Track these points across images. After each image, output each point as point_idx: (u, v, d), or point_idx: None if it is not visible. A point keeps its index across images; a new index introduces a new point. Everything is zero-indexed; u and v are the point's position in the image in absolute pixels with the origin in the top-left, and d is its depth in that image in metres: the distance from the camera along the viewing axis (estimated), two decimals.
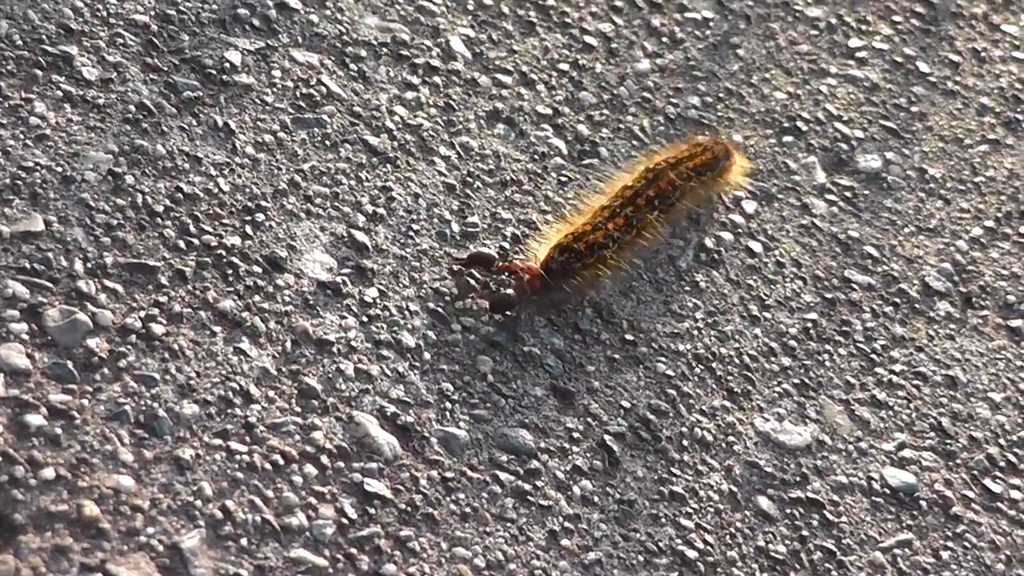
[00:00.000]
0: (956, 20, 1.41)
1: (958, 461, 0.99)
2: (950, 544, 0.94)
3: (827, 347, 1.03)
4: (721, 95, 1.22)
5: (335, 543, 0.78)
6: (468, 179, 1.03)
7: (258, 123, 0.99)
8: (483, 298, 0.94)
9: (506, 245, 0.99)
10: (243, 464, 0.79)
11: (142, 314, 0.84)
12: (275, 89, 1.02)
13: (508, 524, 0.84)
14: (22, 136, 0.90)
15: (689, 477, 0.91)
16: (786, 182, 1.16)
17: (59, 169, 0.89)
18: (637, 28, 1.24)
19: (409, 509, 0.82)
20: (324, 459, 0.81)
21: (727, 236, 1.09)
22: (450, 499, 0.83)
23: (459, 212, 1.00)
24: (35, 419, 0.76)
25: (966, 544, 0.94)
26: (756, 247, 1.09)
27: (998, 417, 1.03)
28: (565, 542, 0.84)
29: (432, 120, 1.06)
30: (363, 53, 1.09)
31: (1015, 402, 1.05)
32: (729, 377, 0.98)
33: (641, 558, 0.85)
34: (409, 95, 1.07)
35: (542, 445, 0.88)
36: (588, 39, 1.20)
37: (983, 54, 1.38)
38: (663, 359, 0.97)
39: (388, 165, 1.01)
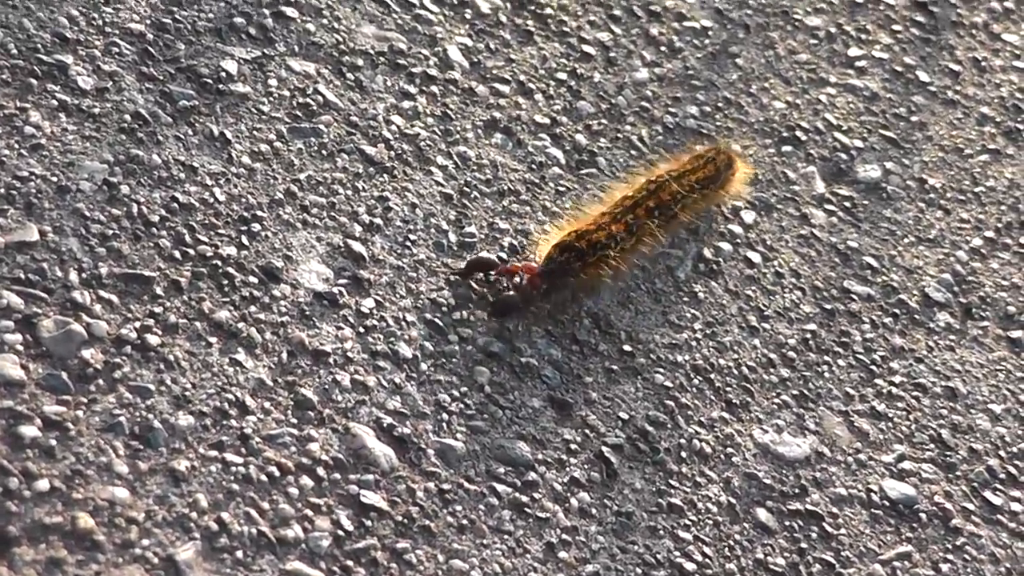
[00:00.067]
0: (956, 29, 1.41)
1: (958, 473, 0.99)
2: (950, 557, 0.94)
3: (826, 358, 1.03)
4: (720, 104, 1.21)
5: (331, 555, 0.78)
6: (465, 189, 1.03)
7: (254, 133, 0.99)
8: (486, 301, 0.94)
9: (504, 255, 0.99)
10: (239, 476, 0.79)
11: (137, 325, 0.83)
12: (271, 98, 1.02)
13: (505, 536, 0.83)
14: (17, 146, 0.90)
15: (687, 489, 0.90)
16: (785, 192, 1.16)
17: (54, 179, 0.89)
18: (635, 37, 1.24)
19: (406, 521, 0.81)
20: (320, 471, 0.81)
21: (726, 246, 1.08)
22: (447, 511, 0.83)
23: (456, 222, 1.00)
24: (29, 430, 0.76)
25: (966, 557, 0.94)
26: (755, 257, 1.09)
27: (998, 429, 1.03)
28: (563, 554, 0.84)
29: (429, 130, 1.06)
30: (360, 62, 1.08)
31: (1015, 414, 1.04)
32: (728, 388, 0.98)
33: (639, 571, 0.85)
34: (406, 104, 1.07)
35: (539, 457, 0.88)
36: (586, 48, 1.20)
37: (983, 63, 1.38)
38: (661, 370, 0.97)
39: (385, 175, 1.01)
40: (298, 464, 0.81)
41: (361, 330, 0.90)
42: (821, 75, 1.29)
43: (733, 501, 0.91)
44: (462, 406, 0.88)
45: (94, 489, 0.75)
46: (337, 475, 0.81)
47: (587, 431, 0.91)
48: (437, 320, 0.92)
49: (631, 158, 1.12)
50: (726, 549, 0.88)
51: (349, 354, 0.88)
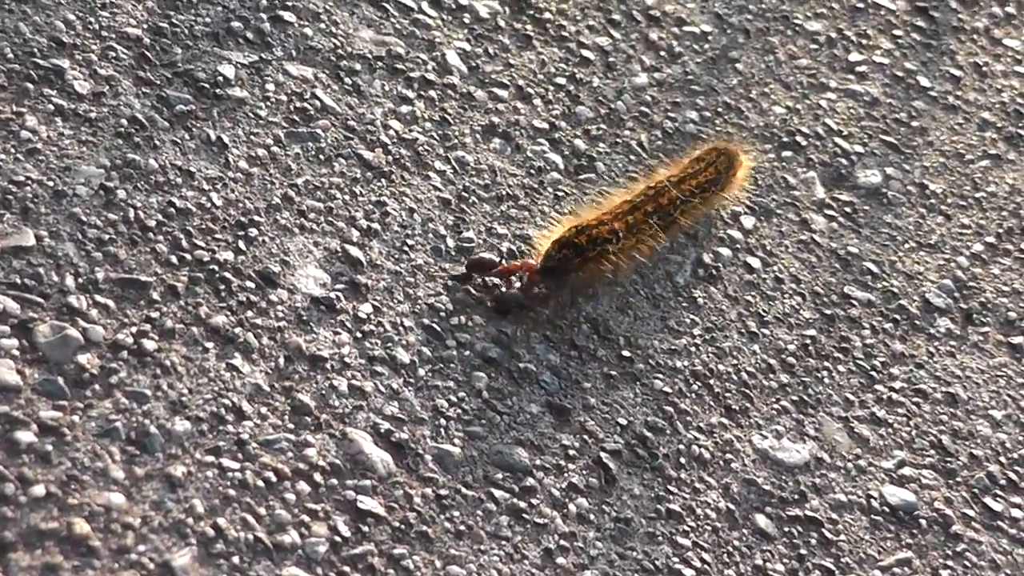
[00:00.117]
0: (957, 34, 1.41)
1: (958, 479, 0.99)
2: (950, 563, 0.93)
3: (826, 364, 1.03)
4: (720, 109, 1.21)
5: (328, 561, 0.77)
6: (463, 194, 1.02)
7: (251, 137, 0.98)
8: (484, 306, 0.94)
9: (503, 261, 0.99)
10: (235, 481, 0.78)
11: (134, 330, 0.83)
12: (269, 103, 1.02)
13: (503, 542, 0.83)
14: (13, 150, 0.89)
15: (686, 495, 0.90)
16: (785, 197, 1.15)
17: (50, 183, 0.89)
18: (635, 42, 1.24)
19: (403, 527, 0.81)
20: (317, 476, 0.81)
21: (725, 252, 1.08)
22: (444, 517, 0.82)
23: (454, 227, 1.00)
24: (25, 436, 0.75)
25: (966, 563, 0.94)
26: (755, 263, 1.08)
27: (999, 435, 1.02)
28: (561, 560, 0.83)
29: (427, 134, 1.06)
30: (358, 67, 1.08)
31: (1016, 420, 1.04)
32: (727, 394, 0.97)
33: None
34: (404, 109, 1.07)
35: (537, 462, 0.88)
36: (585, 53, 1.20)
37: (984, 68, 1.38)
38: (660, 376, 0.96)
39: (383, 180, 1.00)
40: (295, 469, 0.81)
41: (358, 335, 0.89)
42: (821, 80, 1.28)
43: (732, 507, 0.91)
44: (460, 411, 0.88)
45: (90, 494, 0.74)
46: (334, 480, 0.81)
47: (585, 437, 0.90)
48: (435, 325, 0.92)
49: (630, 163, 1.12)
50: (725, 555, 0.88)
51: (346, 359, 0.88)
